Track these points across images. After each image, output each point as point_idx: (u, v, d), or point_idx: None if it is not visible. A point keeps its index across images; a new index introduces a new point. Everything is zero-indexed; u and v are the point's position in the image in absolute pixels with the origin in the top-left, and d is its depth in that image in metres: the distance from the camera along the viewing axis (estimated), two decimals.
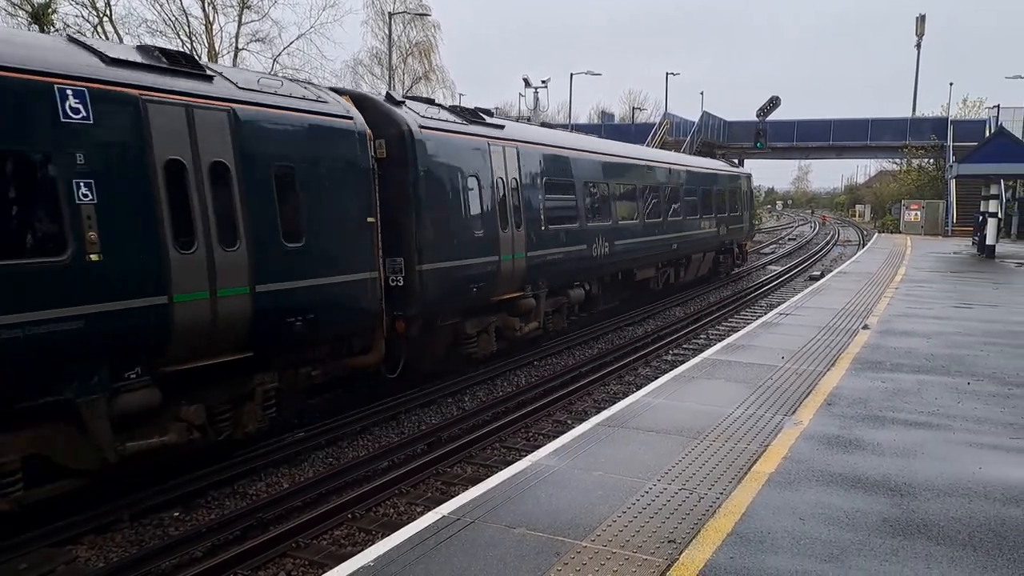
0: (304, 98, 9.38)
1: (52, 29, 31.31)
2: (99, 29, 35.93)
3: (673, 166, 22.50)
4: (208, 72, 8.30)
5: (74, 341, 6.68)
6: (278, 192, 8.62)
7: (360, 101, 10.68)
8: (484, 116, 13.57)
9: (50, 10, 31.79)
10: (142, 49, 8.07)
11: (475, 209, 12.17)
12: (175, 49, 8.72)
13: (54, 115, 6.59)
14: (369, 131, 10.12)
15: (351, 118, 9.93)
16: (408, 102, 11.69)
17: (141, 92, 7.32)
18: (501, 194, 12.85)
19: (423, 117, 11.39)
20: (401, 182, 10.69)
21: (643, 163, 20.03)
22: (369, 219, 10.01)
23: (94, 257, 6.81)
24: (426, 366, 12.03)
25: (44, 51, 6.84)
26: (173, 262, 7.45)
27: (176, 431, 7.75)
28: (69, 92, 6.75)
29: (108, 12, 36.68)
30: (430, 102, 12.62)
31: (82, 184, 6.77)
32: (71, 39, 7.59)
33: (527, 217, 13.59)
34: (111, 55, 7.37)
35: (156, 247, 7.34)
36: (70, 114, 6.73)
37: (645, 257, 19.52)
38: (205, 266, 7.76)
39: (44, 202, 6.58)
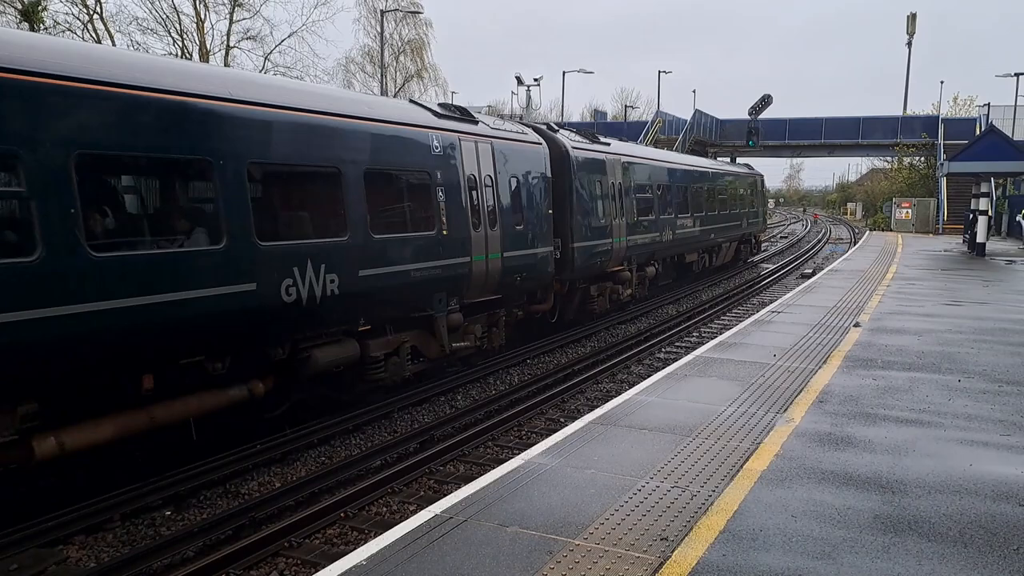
0: (518, 132, 14.29)
1: (42, 27, 31.14)
2: (89, 27, 35.76)
3: (710, 170, 27.81)
4: (475, 118, 12.95)
5: (436, 281, 11.30)
6: (511, 193, 13.37)
7: (535, 130, 15.46)
8: (599, 137, 18.74)
9: (40, 7, 31.63)
10: (442, 106, 12.69)
11: (600, 205, 17.06)
12: (458, 104, 13.49)
13: (430, 150, 11.27)
14: (548, 151, 14.97)
15: (541, 144, 14.86)
16: (560, 130, 16.61)
17: (456, 133, 11.98)
18: (613, 194, 17.71)
19: (572, 140, 16.34)
20: (561, 186, 15.43)
21: (691, 168, 25.17)
22: (549, 211, 14.76)
23: (445, 233, 11.43)
24: (568, 316, 16.87)
25: (423, 112, 11.69)
26: (472, 236, 12.08)
27: (469, 339, 12.59)
28: (433, 136, 11.36)
29: (99, 9, 36.53)
30: (561, 126, 17.46)
31: (439, 190, 11.37)
32: (412, 101, 12.48)
33: (626, 211, 18.38)
34: (436, 111, 12.03)
35: (466, 227, 11.98)
36: (434, 150, 11.33)
37: (692, 244, 24.44)
38: (484, 239, 12.44)
39: (431, 201, 11.30)
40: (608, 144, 18.48)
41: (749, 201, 32.47)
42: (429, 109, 11.96)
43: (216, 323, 7.95)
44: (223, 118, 8.06)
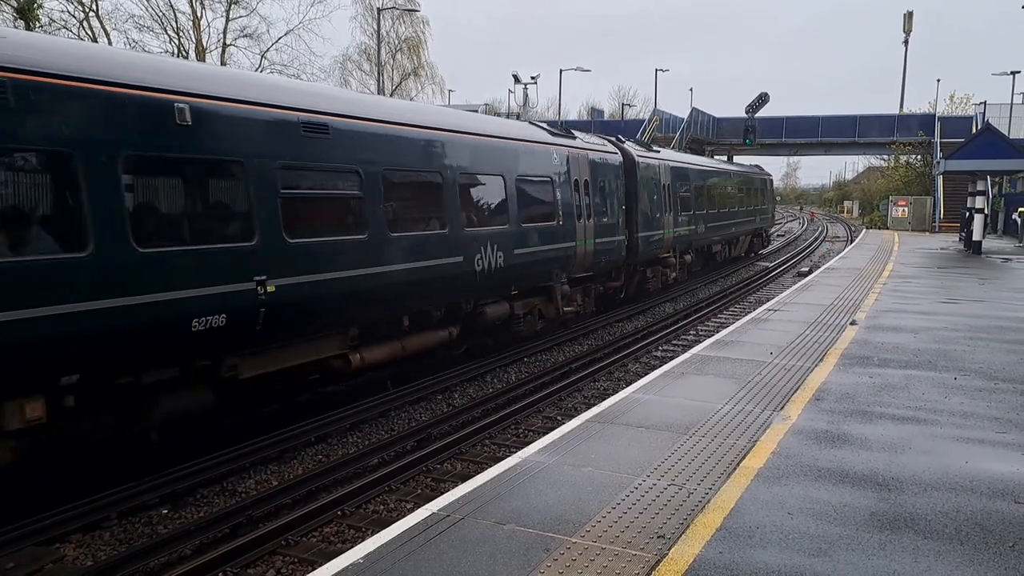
0: (601, 144, 18.15)
1: (37, 24, 31.04)
2: (85, 24, 35.67)
3: (732, 172, 32.63)
4: (574, 135, 16.93)
5: (555, 259, 14.86)
6: (599, 192, 16.96)
7: (611, 142, 19.05)
8: (652, 146, 23.46)
9: (36, 5, 31.52)
10: (551, 124, 16.37)
11: (655, 202, 20.65)
12: (563, 127, 17.64)
13: (552, 161, 14.96)
14: (621, 159, 18.72)
15: (616, 153, 18.58)
16: (626, 142, 20.10)
17: (565, 148, 15.64)
18: (664, 193, 21.33)
19: (636, 150, 20.07)
20: (629, 187, 18.89)
21: (718, 170, 30.20)
22: (622, 207, 18.30)
23: (560, 223, 14.94)
24: (630, 294, 20.52)
25: (544, 132, 15.46)
26: (577, 226, 15.60)
27: (573, 306, 16.23)
28: (552, 151, 15.09)
29: (95, 7, 36.44)
30: (622, 140, 20.58)
31: (556, 191, 14.93)
32: (530, 123, 16.34)
33: (672, 207, 22.00)
34: (549, 131, 15.86)
35: (573, 218, 15.50)
36: (553, 160, 15.00)
37: (718, 236, 28.15)
38: (584, 229, 15.96)
39: (551, 199, 14.83)
40: (659, 152, 22.98)
41: (761, 199, 37.00)
42: (545, 129, 15.88)
43: (444, 282, 11.51)
44: (449, 144, 11.79)
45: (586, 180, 16.22)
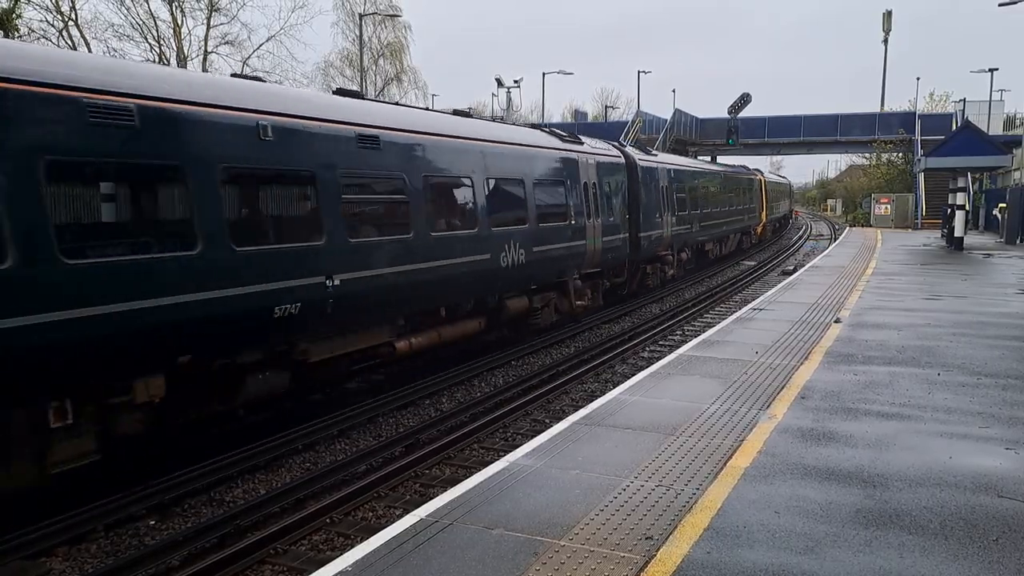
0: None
1: (16, 35, 30.80)
2: (64, 34, 35.43)
3: (783, 182, 43.16)
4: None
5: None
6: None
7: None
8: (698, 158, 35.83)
9: (14, 15, 31.27)
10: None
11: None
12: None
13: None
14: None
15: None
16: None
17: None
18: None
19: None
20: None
21: (778, 180, 41.35)
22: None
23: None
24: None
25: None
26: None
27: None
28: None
29: (73, 16, 36.20)
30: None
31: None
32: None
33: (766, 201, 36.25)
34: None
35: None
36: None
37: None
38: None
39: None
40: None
41: (787, 196, 48.67)
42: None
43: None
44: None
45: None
